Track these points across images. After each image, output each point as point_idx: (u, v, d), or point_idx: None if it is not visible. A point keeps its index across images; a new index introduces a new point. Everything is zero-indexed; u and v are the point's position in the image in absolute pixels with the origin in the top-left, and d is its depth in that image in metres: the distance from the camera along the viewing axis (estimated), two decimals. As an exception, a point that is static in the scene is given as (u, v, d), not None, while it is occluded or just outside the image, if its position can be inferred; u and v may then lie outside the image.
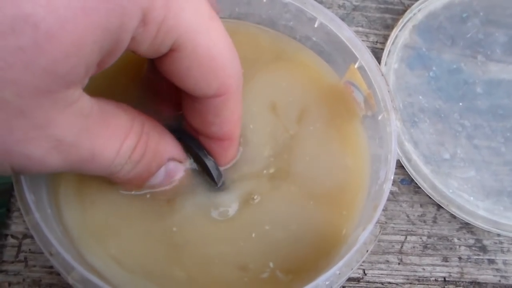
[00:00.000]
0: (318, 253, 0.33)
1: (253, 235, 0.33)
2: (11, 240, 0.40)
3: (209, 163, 0.33)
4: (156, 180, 0.31)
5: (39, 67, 0.21)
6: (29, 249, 0.39)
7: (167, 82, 0.29)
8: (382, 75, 0.36)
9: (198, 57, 0.26)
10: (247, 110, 0.35)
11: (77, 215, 0.32)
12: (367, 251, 0.31)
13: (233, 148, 0.33)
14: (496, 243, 0.44)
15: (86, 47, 0.22)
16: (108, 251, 0.32)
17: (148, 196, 0.33)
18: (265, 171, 0.35)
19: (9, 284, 0.38)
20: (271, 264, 0.32)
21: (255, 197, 0.34)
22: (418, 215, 0.44)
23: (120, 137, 0.27)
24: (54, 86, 0.22)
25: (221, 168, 0.34)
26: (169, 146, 0.31)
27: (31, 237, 0.39)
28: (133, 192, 0.33)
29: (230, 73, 0.28)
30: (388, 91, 0.35)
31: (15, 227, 0.40)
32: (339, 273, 0.30)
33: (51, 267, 0.39)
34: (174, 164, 0.32)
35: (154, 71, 0.29)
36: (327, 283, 0.30)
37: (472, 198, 0.44)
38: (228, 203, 0.34)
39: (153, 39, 0.25)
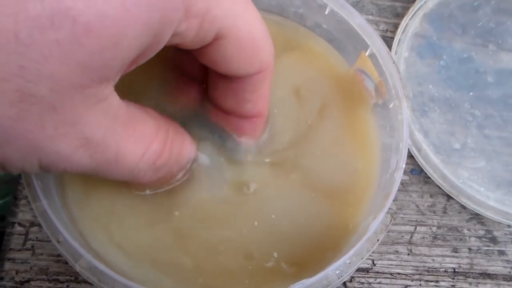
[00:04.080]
0: (324, 247, 0.33)
1: (256, 223, 0.33)
2: (18, 228, 0.39)
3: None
4: (175, 181, 0.32)
5: (74, 60, 0.21)
6: (36, 237, 0.39)
7: (194, 62, 0.29)
8: (394, 62, 0.35)
9: (241, 42, 0.27)
10: (272, 94, 0.35)
11: (82, 201, 0.32)
12: (378, 240, 0.31)
13: (262, 124, 0.33)
14: (506, 234, 0.44)
15: (124, 42, 0.22)
16: (112, 238, 0.32)
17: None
18: (278, 160, 0.35)
19: (17, 272, 0.38)
20: (275, 254, 0.32)
21: (261, 187, 0.34)
22: (428, 206, 0.44)
23: (146, 143, 0.27)
24: (87, 80, 0.22)
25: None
26: (191, 149, 0.31)
27: (38, 225, 0.39)
28: (147, 192, 0.33)
29: (268, 50, 0.29)
30: (400, 79, 0.35)
31: (22, 215, 0.40)
32: (349, 263, 0.30)
33: (59, 255, 0.39)
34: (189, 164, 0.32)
35: (181, 51, 0.29)
36: (337, 272, 0.30)
37: (482, 188, 0.44)
38: (235, 187, 0.34)
39: (197, 32, 0.25)
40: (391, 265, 0.42)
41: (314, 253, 0.33)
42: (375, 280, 0.41)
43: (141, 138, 0.26)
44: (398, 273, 0.41)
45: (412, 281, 0.41)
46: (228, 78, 0.29)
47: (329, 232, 0.33)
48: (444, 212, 0.44)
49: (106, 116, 0.24)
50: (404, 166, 0.33)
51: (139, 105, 0.28)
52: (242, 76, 0.29)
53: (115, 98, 0.24)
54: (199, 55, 0.28)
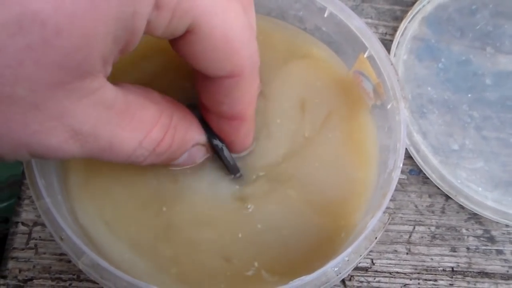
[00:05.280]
0: (310, 258, 0.33)
1: (240, 235, 0.33)
2: (21, 227, 0.40)
3: (221, 151, 0.33)
4: (178, 161, 0.31)
5: (49, 62, 0.21)
6: (39, 237, 0.40)
7: None
8: (392, 64, 0.36)
9: (213, 40, 0.26)
10: (279, 104, 0.36)
11: (85, 199, 0.33)
12: (376, 238, 0.31)
13: (244, 128, 0.32)
14: (504, 233, 0.44)
15: (97, 39, 0.22)
16: (102, 213, 0.33)
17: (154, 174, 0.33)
18: (273, 170, 0.35)
19: (20, 270, 0.39)
20: (256, 264, 0.32)
21: (253, 199, 0.34)
22: (427, 206, 0.44)
23: (144, 130, 0.27)
24: (67, 78, 0.22)
25: (235, 155, 0.34)
26: (196, 135, 0.31)
27: (42, 224, 0.40)
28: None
29: (245, 56, 0.28)
30: (398, 80, 0.35)
31: (26, 215, 0.40)
32: (348, 260, 0.31)
33: (61, 254, 0.39)
34: (197, 148, 0.32)
35: None
36: (335, 269, 0.30)
37: (480, 188, 0.44)
38: (227, 195, 0.34)
39: (168, 23, 0.24)
40: (390, 264, 0.42)
41: (300, 263, 0.33)
42: (374, 279, 0.41)
43: (139, 126, 0.26)
44: (397, 272, 0.42)
45: (410, 280, 0.42)
46: (205, 76, 0.29)
47: (317, 243, 0.34)
48: (443, 212, 0.44)
49: (97, 107, 0.24)
50: (401, 165, 0.33)
51: (143, 89, 0.28)
52: (214, 77, 0.28)
53: (108, 89, 0.24)
54: (173, 45, 0.27)
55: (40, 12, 0.20)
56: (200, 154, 0.33)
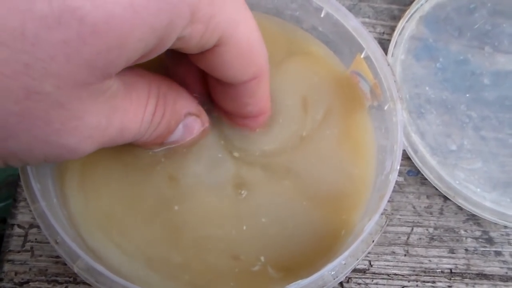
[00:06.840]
0: (314, 254, 0.33)
1: (244, 227, 0.33)
2: (17, 230, 0.40)
3: None
4: (176, 136, 0.32)
5: (80, 60, 0.21)
6: (35, 239, 0.40)
7: (190, 67, 0.30)
8: (388, 64, 0.35)
9: (240, 49, 0.27)
10: (281, 102, 0.36)
11: (81, 202, 0.33)
12: (373, 241, 0.31)
13: (266, 118, 0.34)
14: (503, 235, 0.44)
15: (130, 43, 0.22)
16: (110, 236, 0.32)
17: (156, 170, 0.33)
18: (273, 165, 0.35)
19: (16, 273, 0.38)
20: (262, 258, 0.32)
21: (254, 191, 0.34)
22: (425, 207, 0.44)
23: (142, 106, 0.27)
24: (93, 78, 0.22)
25: (241, 137, 0.35)
26: (186, 102, 0.31)
27: (37, 226, 0.40)
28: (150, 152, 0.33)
29: (264, 57, 0.29)
30: (394, 81, 0.35)
31: (22, 217, 0.40)
32: (345, 263, 0.30)
33: (57, 256, 0.39)
34: (192, 119, 0.32)
35: (173, 57, 0.30)
36: (332, 273, 0.30)
37: (479, 189, 0.44)
38: (229, 189, 0.34)
39: (201, 37, 0.25)
40: (388, 266, 0.42)
41: (303, 259, 0.33)
42: (372, 281, 0.41)
43: (138, 104, 0.27)
44: (395, 274, 0.42)
45: (409, 281, 0.41)
46: (226, 84, 0.30)
47: (320, 239, 0.34)
48: (441, 213, 0.44)
49: (108, 101, 0.24)
50: (398, 167, 0.33)
51: (129, 68, 0.28)
52: (237, 84, 0.29)
53: (115, 83, 0.25)
54: (198, 60, 0.28)
55: (80, 8, 0.20)
56: (197, 125, 0.33)
